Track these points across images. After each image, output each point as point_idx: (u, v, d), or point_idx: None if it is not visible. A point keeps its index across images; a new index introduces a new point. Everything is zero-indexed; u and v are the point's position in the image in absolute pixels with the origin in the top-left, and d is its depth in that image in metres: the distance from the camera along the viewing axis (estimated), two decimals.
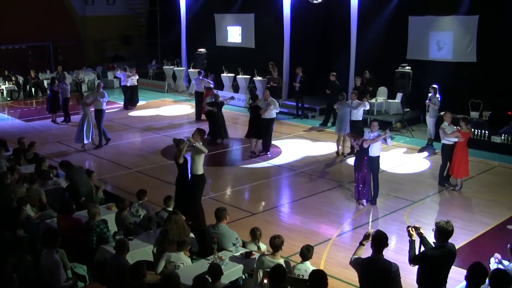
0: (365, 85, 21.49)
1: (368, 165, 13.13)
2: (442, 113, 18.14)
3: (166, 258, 8.38)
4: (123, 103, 26.44)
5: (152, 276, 8.23)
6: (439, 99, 18.43)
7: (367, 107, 17.89)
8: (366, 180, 13.22)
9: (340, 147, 17.61)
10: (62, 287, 8.15)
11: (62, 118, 22.86)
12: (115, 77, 32.29)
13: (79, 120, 18.63)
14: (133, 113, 25.05)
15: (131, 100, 26.35)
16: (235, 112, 24.87)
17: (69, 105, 23.31)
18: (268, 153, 17.73)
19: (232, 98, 22.40)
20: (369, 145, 12.95)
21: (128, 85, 26.02)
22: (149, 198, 11.13)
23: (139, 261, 7.61)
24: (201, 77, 23.34)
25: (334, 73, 21.59)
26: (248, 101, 20.55)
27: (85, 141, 18.39)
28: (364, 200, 13.36)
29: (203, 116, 22.20)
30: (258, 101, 17.69)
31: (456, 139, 14.19)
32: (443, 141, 14.56)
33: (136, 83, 26.45)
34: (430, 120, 18.67)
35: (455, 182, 14.66)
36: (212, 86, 21.81)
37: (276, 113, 17.95)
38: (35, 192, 11.69)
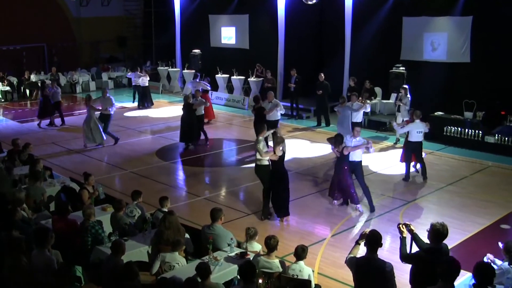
0: (364, 91, 21.64)
1: (350, 172, 12.88)
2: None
3: (161, 259, 8.39)
4: (136, 103, 26.82)
5: (147, 277, 8.25)
6: (409, 99, 18.53)
7: (368, 109, 18.10)
8: (343, 185, 12.90)
9: None
10: None
11: (48, 121, 22.73)
12: (109, 78, 32.35)
13: (84, 123, 18.74)
14: (128, 114, 25.04)
15: (146, 100, 26.71)
16: (230, 113, 24.89)
17: (63, 107, 23.37)
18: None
19: (206, 103, 20.40)
20: (349, 152, 12.71)
21: (140, 85, 26.32)
22: (144, 199, 11.14)
23: (129, 262, 7.59)
24: (197, 80, 23.34)
25: (322, 74, 21.67)
26: (250, 104, 20.25)
27: (97, 141, 18.72)
28: (335, 201, 13.31)
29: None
30: (262, 103, 17.75)
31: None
32: (413, 139, 14.94)
33: (147, 84, 26.65)
34: (401, 120, 18.47)
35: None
36: (209, 88, 21.74)
37: (281, 114, 18.10)
38: (39, 190, 11.74)
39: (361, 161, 13.17)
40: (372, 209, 12.96)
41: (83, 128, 18.76)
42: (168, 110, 25.78)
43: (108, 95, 19.44)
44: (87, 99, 19.06)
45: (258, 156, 12.45)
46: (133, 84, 26.90)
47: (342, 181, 12.92)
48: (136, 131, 21.75)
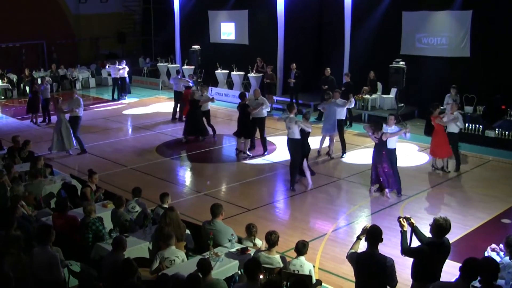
0: (368, 85, 21.71)
1: (387, 158, 13.41)
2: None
3: (160, 257, 8.36)
4: (111, 96, 27.74)
5: (147, 272, 8.24)
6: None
7: (352, 105, 17.89)
8: (389, 172, 13.46)
9: (331, 147, 17.33)
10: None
11: (41, 119, 22.59)
12: (108, 74, 32.27)
13: (55, 128, 17.73)
14: (127, 111, 25.04)
15: (123, 90, 27.72)
16: (229, 109, 24.86)
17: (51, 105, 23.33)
18: (266, 152, 17.65)
19: (213, 100, 20.01)
20: (387, 138, 13.25)
21: (118, 77, 27.12)
22: (144, 195, 11.13)
23: (127, 258, 7.58)
24: (179, 77, 23.26)
25: (328, 68, 21.64)
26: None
27: (66, 147, 17.57)
28: (372, 187, 13.80)
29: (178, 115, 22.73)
30: (247, 100, 17.65)
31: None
32: (457, 130, 15.38)
33: (125, 75, 27.33)
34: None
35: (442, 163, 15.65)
36: (191, 85, 21.60)
37: (267, 111, 17.99)
38: (39, 187, 11.74)
39: (395, 149, 13.67)
40: (400, 193, 13.69)
41: (53, 133, 17.74)
42: (168, 106, 25.73)
43: (76, 96, 18.42)
44: (55, 102, 18.32)
45: (295, 130, 13.97)
46: (112, 77, 27.56)
47: (382, 167, 13.47)
48: (135, 127, 21.74)
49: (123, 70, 26.99)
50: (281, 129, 20.36)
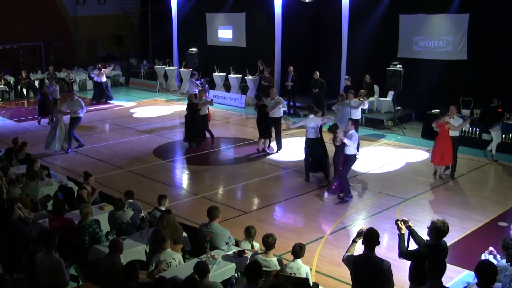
0: (364, 88, 21.72)
1: (343, 162, 13.65)
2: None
3: (156, 260, 8.34)
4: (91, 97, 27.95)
5: (145, 275, 8.23)
6: None
7: (366, 106, 17.98)
8: (340, 175, 13.83)
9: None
10: None
11: (47, 120, 22.47)
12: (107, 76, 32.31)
13: (51, 127, 18.37)
14: (124, 113, 25.01)
15: (102, 95, 27.53)
16: (227, 111, 24.88)
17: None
18: (272, 149, 18.04)
19: (211, 103, 20.12)
20: (343, 143, 13.40)
21: (97, 81, 27.32)
22: (142, 197, 11.09)
23: (132, 262, 7.57)
24: (193, 80, 23.10)
25: (317, 72, 21.72)
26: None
27: (56, 148, 17.95)
28: (326, 193, 14.20)
29: None
30: (264, 100, 17.76)
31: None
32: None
33: (102, 80, 27.25)
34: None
35: (440, 169, 15.37)
36: (197, 90, 21.44)
37: (284, 111, 18.19)
38: (36, 189, 11.73)
39: (355, 155, 13.92)
40: (346, 196, 13.71)
41: (48, 132, 18.23)
42: (165, 108, 25.74)
43: (76, 97, 18.69)
44: (53, 103, 18.51)
45: (318, 129, 14.81)
46: (95, 80, 27.61)
47: (339, 172, 13.83)
48: (133, 129, 21.71)
49: (96, 76, 27.02)
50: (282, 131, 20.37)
